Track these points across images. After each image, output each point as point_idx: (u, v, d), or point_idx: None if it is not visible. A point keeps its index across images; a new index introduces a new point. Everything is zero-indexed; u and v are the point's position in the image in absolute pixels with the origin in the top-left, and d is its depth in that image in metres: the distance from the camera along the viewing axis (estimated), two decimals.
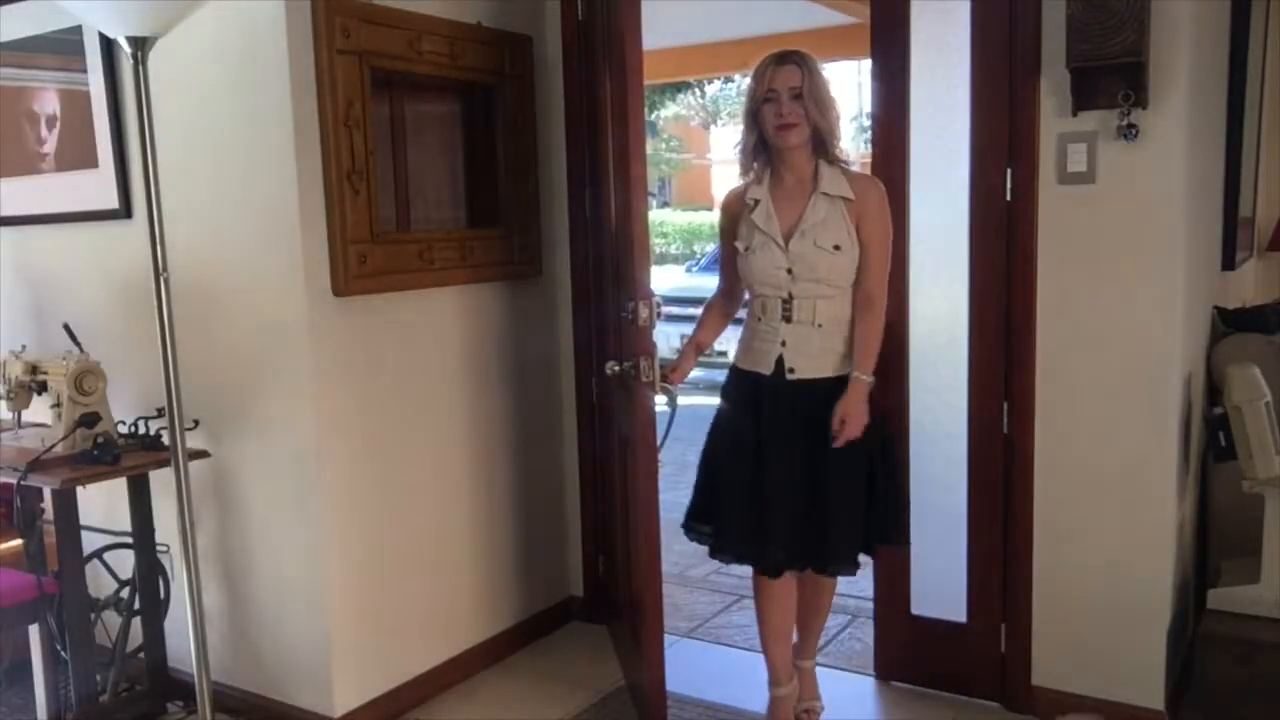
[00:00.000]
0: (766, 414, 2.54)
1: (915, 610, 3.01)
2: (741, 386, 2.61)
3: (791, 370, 2.52)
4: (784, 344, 2.52)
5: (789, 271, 2.50)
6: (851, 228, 2.48)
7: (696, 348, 2.80)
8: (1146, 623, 2.68)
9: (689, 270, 11.87)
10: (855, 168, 2.62)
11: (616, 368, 2.76)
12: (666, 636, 3.46)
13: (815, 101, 2.45)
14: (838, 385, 2.50)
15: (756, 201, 2.56)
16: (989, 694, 2.92)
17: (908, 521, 2.71)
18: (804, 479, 2.52)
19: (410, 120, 3.01)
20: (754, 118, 2.53)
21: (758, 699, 2.87)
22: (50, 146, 3.20)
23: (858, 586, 3.34)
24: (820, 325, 2.50)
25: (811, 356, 2.51)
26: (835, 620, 3.39)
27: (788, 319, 2.51)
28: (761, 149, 2.57)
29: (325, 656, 2.81)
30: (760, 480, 2.54)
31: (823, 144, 2.51)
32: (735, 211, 2.63)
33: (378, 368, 2.90)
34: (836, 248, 2.46)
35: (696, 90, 18.57)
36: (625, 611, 3.15)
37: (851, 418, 2.46)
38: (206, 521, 2.98)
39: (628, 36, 2.56)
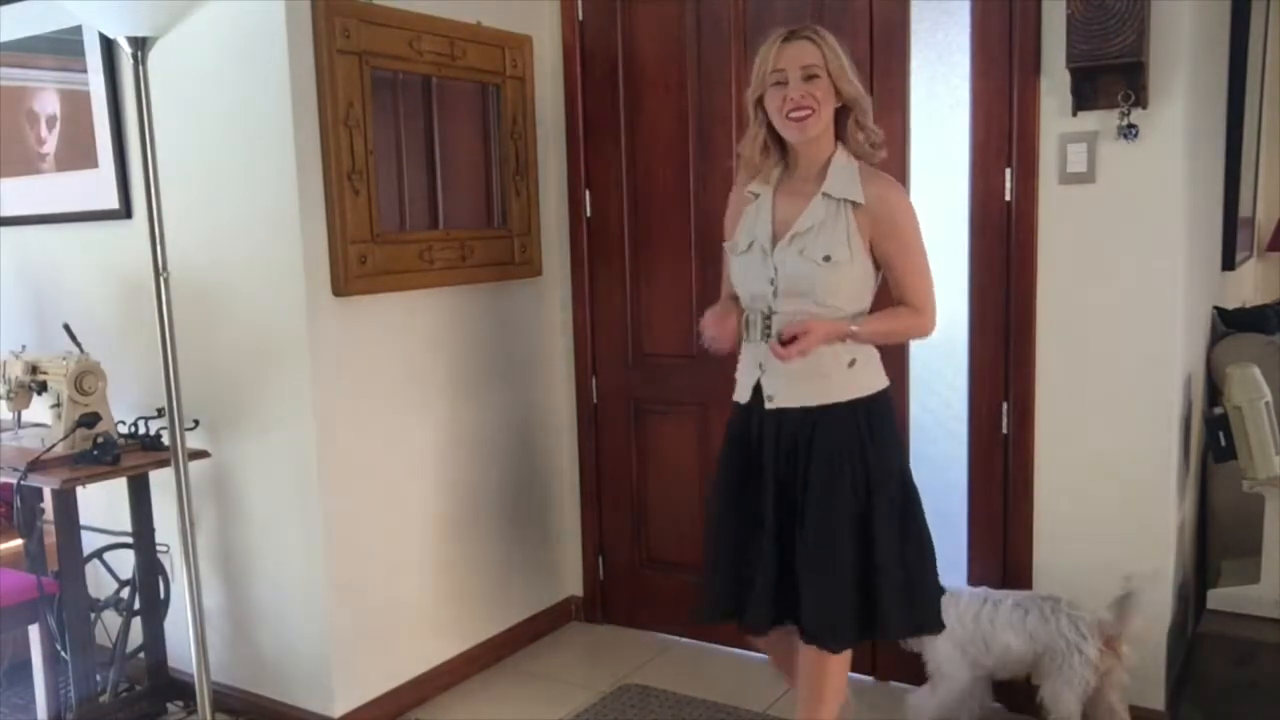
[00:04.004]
0: (752, 449, 2.22)
1: None
2: (733, 419, 2.28)
3: (770, 398, 2.17)
4: (761, 367, 2.19)
5: (772, 283, 2.15)
6: (856, 237, 2.12)
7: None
8: (1146, 622, 2.67)
9: None
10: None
11: None
12: (664, 635, 3.47)
13: (839, 79, 2.11)
14: (824, 416, 2.14)
15: (756, 196, 2.24)
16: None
17: (930, 612, 2.26)
18: (780, 526, 2.18)
19: (410, 120, 3.01)
20: (760, 106, 2.17)
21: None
22: (50, 146, 3.20)
23: None
24: None
25: (793, 382, 2.14)
26: None
27: (767, 338, 2.15)
28: (773, 143, 2.20)
29: (325, 656, 2.81)
30: (744, 529, 2.22)
31: (847, 128, 2.17)
32: (739, 208, 2.30)
33: (377, 368, 2.90)
34: (826, 259, 2.10)
35: None
36: None
37: (813, 331, 2.06)
38: (206, 521, 2.98)
39: None
